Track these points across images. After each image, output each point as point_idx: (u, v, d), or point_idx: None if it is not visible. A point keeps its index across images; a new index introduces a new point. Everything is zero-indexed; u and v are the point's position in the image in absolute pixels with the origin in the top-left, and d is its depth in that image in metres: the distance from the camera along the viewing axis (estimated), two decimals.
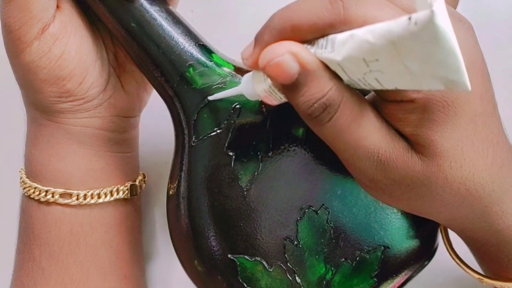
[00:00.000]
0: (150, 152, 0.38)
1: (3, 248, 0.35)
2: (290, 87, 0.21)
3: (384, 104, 0.23)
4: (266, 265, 0.27)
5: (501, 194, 0.24)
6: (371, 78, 0.20)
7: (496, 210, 0.24)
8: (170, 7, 0.30)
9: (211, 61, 0.29)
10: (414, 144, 0.22)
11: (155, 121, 0.36)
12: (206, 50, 0.29)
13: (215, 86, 0.28)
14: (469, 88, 0.18)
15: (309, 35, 0.21)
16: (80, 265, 0.31)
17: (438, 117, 0.21)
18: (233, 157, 0.27)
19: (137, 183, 0.34)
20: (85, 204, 0.32)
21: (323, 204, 0.27)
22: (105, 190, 0.32)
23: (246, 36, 0.33)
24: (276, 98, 0.24)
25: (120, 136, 0.33)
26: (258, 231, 0.27)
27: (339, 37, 0.20)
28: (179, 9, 0.31)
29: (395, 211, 0.27)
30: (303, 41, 0.22)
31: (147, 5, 0.29)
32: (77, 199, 0.31)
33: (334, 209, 0.27)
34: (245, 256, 0.27)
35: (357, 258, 0.27)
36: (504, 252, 0.26)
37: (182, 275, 0.29)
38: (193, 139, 0.28)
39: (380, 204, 0.27)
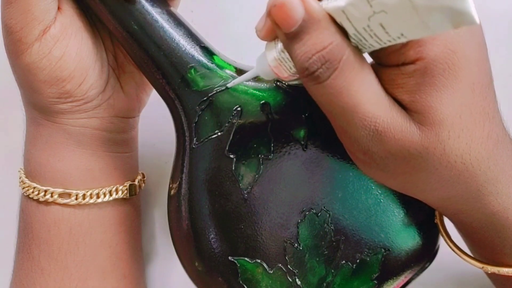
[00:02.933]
0: (150, 152, 0.38)
1: (3, 248, 0.35)
2: (292, 35, 0.21)
3: (383, 70, 0.22)
4: (266, 267, 0.27)
5: (496, 173, 0.23)
6: (376, 24, 0.19)
7: (491, 190, 0.24)
8: (171, 8, 0.30)
9: (212, 63, 0.29)
10: (412, 112, 0.22)
11: (155, 121, 0.36)
12: (208, 52, 0.29)
13: (216, 88, 0.28)
14: (477, 20, 0.17)
15: None
16: (79, 265, 0.31)
17: (438, 81, 0.21)
18: (234, 159, 0.27)
19: (136, 183, 0.34)
20: (84, 204, 0.32)
21: (324, 207, 0.27)
22: (104, 190, 0.32)
23: (246, 36, 0.34)
24: (286, 69, 0.24)
25: (119, 137, 0.33)
26: (258, 233, 0.27)
27: None
28: (179, 9, 0.31)
29: (395, 213, 0.27)
30: None
31: (148, 7, 0.28)
32: (76, 198, 0.31)
33: (335, 212, 0.27)
34: (246, 258, 0.27)
35: (358, 261, 0.27)
36: (499, 237, 0.25)
37: (182, 275, 0.29)
38: (194, 141, 0.28)
39: (381, 207, 0.27)
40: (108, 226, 0.32)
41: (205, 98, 0.28)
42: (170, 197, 0.29)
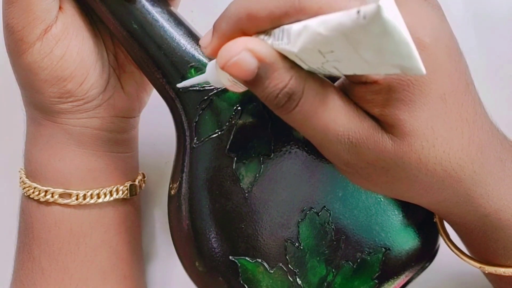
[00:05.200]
0: (150, 152, 0.38)
1: (3, 248, 0.35)
2: (252, 82, 0.21)
3: (352, 86, 0.23)
4: (267, 266, 0.27)
5: (484, 176, 0.24)
6: (330, 66, 0.20)
7: (481, 192, 0.24)
8: (172, 8, 0.30)
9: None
10: (383, 124, 0.22)
11: (155, 121, 0.36)
12: None
13: (216, 88, 0.28)
14: (424, 72, 0.18)
15: (266, 24, 0.21)
16: (79, 265, 0.31)
17: (405, 96, 0.21)
18: (235, 159, 0.27)
19: (136, 183, 0.34)
20: (85, 204, 0.32)
21: (325, 206, 0.27)
22: (104, 190, 0.32)
23: None
24: (241, 86, 0.24)
25: (120, 136, 0.33)
26: (259, 233, 0.27)
27: (294, 27, 0.20)
28: (179, 9, 0.31)
29: (396, 213, 0.27)
30: (259, 31, 0.22)
31: (149, 7, 0.29)
32: (77, 199, 0.31)
33: (335, 211, 0.27)
34: (246, 258, 0.27)
35: (358, 260, 0.27)
36: (492, 239, 0.25)
37: (182, 275, 0.29)
38: (195, 140, 0.28)
39: (381, 206, 0.27)
40: (108, 226, 0.32)
41: (205, 98, 0.28)
42: (170, 196, 0.29)
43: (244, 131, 0.28)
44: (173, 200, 0.29)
